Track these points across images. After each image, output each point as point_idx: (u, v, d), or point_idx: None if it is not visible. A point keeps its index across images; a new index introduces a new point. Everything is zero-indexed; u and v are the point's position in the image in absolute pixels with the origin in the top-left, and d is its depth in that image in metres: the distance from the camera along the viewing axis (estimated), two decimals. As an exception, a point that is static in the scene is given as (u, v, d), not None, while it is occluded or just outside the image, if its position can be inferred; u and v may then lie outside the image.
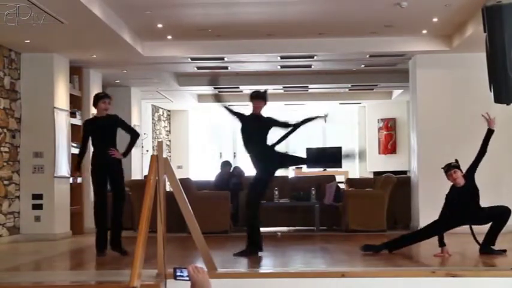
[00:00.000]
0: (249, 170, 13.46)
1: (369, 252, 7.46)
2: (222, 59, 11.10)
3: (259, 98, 7.71)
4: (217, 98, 8.35)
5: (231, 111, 7.78)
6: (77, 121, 10.90)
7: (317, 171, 15.44)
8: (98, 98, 7.99)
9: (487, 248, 7.39)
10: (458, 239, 9.28)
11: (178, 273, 3.11)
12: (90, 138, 7.97)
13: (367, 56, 11.13)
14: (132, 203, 10.88)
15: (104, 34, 8.81)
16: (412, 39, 10.31)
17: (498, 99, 5.74)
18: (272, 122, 7.66)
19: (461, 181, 7.48)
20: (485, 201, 10.26)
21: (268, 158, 7.54)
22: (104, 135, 7.86)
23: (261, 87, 14.09)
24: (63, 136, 10.14)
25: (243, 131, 7.70)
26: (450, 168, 7.54)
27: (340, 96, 15.86)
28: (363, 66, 12.27)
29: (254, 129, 7.60)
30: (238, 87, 14.20)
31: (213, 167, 15.14)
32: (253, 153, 7.57)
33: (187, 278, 3.01)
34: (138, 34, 9.86)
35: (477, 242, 7.50)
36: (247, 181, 11.42)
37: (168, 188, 5.74)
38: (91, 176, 8.01)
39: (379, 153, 16.94)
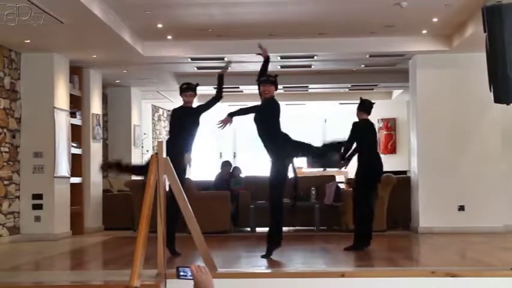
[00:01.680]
0: (248, 170, 13.46)
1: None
2: (222, 59, 11.10)
3: (269, 82, 7.40)
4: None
5: (245, 111, 7.56)
6: (77, 121, 10.90)
7: (317, 171, 15.44)
8: (180, 90, 7.79)
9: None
10: (458, 239, 9.30)
11: (181, 273, 3.11)
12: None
13: (367, 56, 11.13)
14: (132, 203, 10.91)
15: (104, 34, 8.81)
16: (412, 39, 10.31)
17: (498, 99, 5.73)
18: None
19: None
20: (485, 200, 10.32)
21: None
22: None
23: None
24: (63, 136, 10.13)
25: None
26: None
27: (340, 96, 15.85)
28: (363, 66, 12.27)
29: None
30: (238, 87, 14.20)
31: (213, 167, 15.13)
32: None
33: (191, 278, 3.01)
34: (138, 34, 9.86)
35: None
36: (246, 181, 11.52)
37: (168, 188, 5.74)
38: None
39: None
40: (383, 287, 5.47)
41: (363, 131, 8.12)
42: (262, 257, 7.21)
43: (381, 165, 8.13)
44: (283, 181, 7.44)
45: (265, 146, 7.40)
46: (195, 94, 7.86)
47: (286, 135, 7.40)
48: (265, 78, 7.43)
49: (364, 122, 8.22)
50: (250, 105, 7.64)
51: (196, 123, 7.74)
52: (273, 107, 7.37)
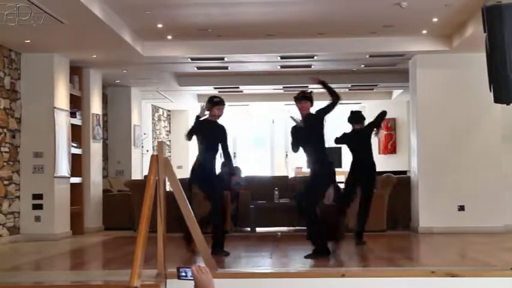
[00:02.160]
0: (248, 170, 13.42)
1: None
2: (222, 59, 11.11)
3: (305, 99, 7.55)
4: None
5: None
6: (77, 121, 10.90)
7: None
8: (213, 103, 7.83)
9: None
10: (458, 239, 9.30)
11: (182, 273, 3.11)
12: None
13: (367, 56, 11.13)
14: (132, 203, 10.90)
15: (104, 34, 8.81)
16: (412, 39, 10.30)
17: (498, 99, 5.73)
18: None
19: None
20: (485, 200, 10.31)
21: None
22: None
23: (261, 87, 14.18)
24: (63, 136, 10.13)
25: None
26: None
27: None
28: (363, 66, 12.27)
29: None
30: (238, 87, 14.21)
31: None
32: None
33: (191, 278, 3.00)
34: (138, 34, 9.86)
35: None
36: (245, 181, 11.51)
37: (168, 188, 5.74)
38: None
39: (379, 153, 16.91)
40: (383, 287, 5.47)
41: (349, 141, 8.84)
42: (306, 257, 7.19)
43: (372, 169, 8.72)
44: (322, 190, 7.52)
45: (311, 156, 7.45)
46: None
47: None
48: (300, 96, 7.54)
49: (354, 132, 8.86)
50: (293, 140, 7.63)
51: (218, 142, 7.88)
52: (310, 122, 7.43)
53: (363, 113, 9.20)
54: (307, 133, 7.42)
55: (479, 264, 6.59)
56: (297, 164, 16.62)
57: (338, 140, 9.02)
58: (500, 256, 7.20)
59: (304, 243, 9.20)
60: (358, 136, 8.73)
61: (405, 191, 10.86)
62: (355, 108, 17.39)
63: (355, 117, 8.95)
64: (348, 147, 8.90)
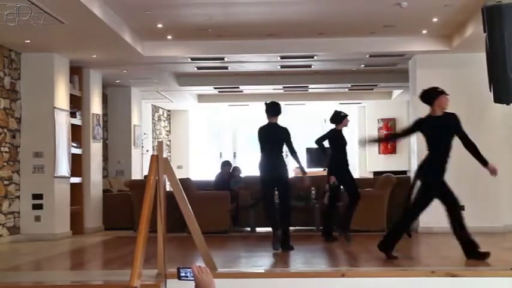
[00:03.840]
0: (248, 170, 13.45)
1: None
2: (222, 59, 11.11)
3: None
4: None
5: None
6: (77, 121, 10.90)
7: (317, 171, 15.44)
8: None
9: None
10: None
11: (182, 274, 3.10)
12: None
13: (367, 56, 11.13)
14: (132, 203, 10.91)
15: (104, 34, 8.81)
16: (412, 39, 10.31)
17: (498, 99, 5.73)
18: None
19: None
20: (485, 200, 10.30)
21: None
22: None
23: (261, 87, 14.18)
24: (63, 136, 10.13)
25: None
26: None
27: (340, 96, 15.86)
28: (362, 66, 12.27)
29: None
30: (238, 87, 14.22)
31: (213, 167, 15.14)
32: None
33: (192, 278, 3.00)
34: (138, 34, 9.86)
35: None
36: (246, 181, 11.52)
37: (168, 188, 5.74)
38: None
39: (379, 153, 16.94)
40: (383, 287, 5.47)
41: (330, 139, 9.15)
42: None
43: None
44: None
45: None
46: None
47: None
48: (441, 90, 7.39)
49: (334, 131, 9.18)
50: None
51: None
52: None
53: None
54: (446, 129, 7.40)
55: (479, 264, 6.59)
56: (296, 164, 16.62)
57: (319, 140, 9.22)
58: (500, 256, 7.19)
59: (304, 243, 9.21)
60: (333, 137, 9.08)
61: (405, 191, 10.82)
62: (356, 108, 17.51)
63: (338, 117, 9.17)
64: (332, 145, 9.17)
